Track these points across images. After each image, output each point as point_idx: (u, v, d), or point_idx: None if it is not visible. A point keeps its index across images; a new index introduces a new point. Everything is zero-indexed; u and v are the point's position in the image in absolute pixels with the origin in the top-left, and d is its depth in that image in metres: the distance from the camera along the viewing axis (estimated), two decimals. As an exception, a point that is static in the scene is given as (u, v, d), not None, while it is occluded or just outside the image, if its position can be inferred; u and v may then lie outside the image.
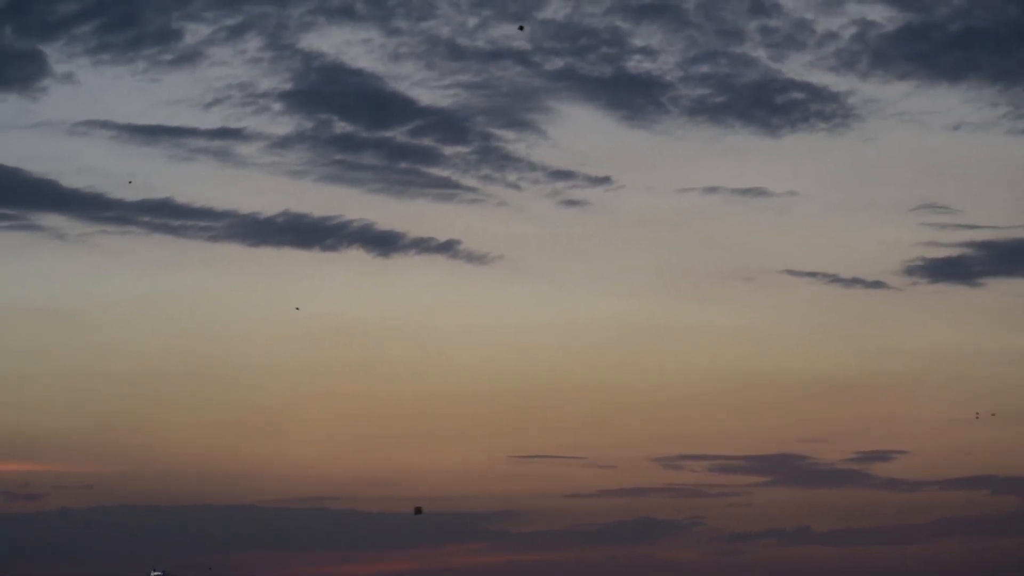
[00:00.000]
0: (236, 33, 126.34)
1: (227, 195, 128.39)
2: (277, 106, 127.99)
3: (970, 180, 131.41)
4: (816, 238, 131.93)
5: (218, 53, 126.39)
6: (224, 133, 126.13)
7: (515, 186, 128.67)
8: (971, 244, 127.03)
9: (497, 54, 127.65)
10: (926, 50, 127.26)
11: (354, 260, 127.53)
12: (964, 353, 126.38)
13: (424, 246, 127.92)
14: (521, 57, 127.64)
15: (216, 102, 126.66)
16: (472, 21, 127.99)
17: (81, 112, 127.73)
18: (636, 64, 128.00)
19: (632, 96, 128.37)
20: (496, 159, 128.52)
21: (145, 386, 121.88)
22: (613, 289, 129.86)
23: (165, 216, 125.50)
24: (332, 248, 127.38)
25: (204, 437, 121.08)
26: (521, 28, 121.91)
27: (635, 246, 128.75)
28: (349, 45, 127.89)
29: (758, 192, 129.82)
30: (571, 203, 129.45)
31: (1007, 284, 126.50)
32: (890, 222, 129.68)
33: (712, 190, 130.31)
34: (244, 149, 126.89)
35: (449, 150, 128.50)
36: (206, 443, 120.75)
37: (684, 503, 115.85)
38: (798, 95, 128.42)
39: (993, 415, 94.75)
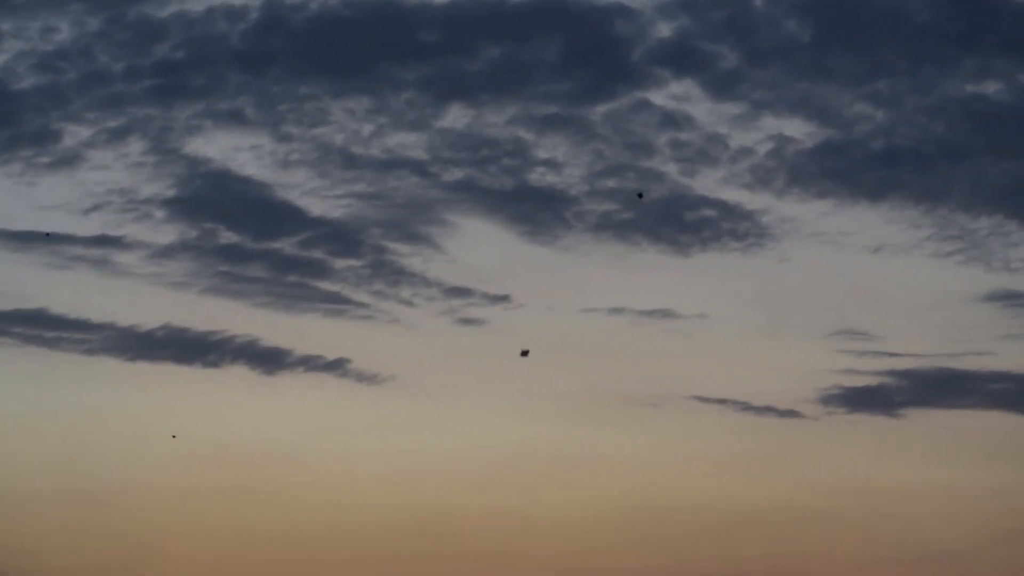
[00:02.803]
0: (118, 136, 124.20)
1: (105, 306, 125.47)
2: (159, 213, 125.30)
3: (891, 305, 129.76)
4: (726, 363, 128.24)
5: (99, 156, 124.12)
6: (103, 241, 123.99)
7: (409, 303, 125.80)
8: (891, 372, 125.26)
9: (392, 163, 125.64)
10: (846, 168, 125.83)
11: (237, 378, 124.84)
12: (884, 488, 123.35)
13: (312, 364, 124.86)
14: (418, 167, 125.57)
15: (95, 208, 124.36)
16: (367, 128, 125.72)
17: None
18: (539, 176, 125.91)
19: (534, 210, 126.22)
20: (389, 274, 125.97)
21: (12, 505, 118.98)
22: (511, 413, 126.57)
23: (39, 327, 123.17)
24: (214, 365, 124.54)
25: (72, 561, 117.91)
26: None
27: (535, 368, 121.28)
28: (237, 151, 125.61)
29: (665, 314, 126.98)
30: (468, 322, 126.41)
31: (929, 415, 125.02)
32: (805, 348, 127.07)
33: (617, 311, 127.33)
34: (124, 258, 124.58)
35: (340, 263, 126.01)
36: (75, 568, 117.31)
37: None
38: (709, 212, 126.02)
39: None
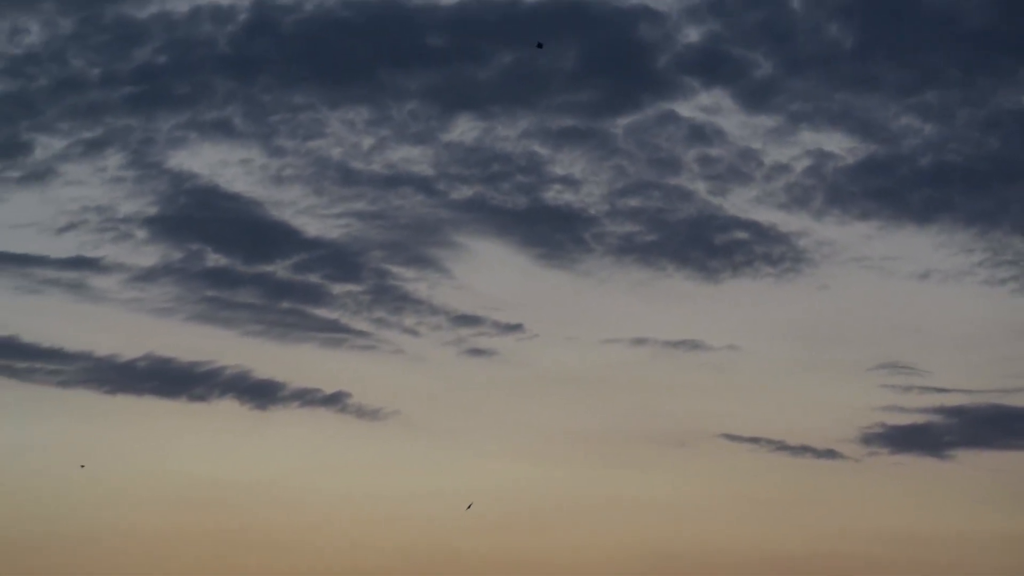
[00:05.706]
0: (95, 148, 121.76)
1: (81, 334, 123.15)
2: (140, 233, 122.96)
3: (939, 337, 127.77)
4: (759, 399, 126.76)
5: (73, 170, 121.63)
6: (79, 263, 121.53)
7: (413, 332, 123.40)
8: (940, 410, 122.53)
9: (395, 180, 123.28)
10: (891, 187, 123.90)
11: (226, 412, 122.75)
12: (931, 536, 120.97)
13: (308, 398, 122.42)
14: (423, 184, 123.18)
15: (70, 227, 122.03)
16: (367, 142, 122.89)
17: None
18: (555, 195, 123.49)
19: (550, 231, 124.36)
20: (392, 300, 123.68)
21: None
22: (524, 453, 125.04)
23: (9, 357, 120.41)
24: (201, 398, 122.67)
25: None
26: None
27: (550, 404, 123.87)
28: (225, 165, 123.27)
29: (693, 345, 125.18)
30: (477, 352, 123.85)
31: (981, 457, 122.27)
32: (846, 383, 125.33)
33: (640, 342, 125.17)
34: (101, 282, 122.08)
35: (338, 288, 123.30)
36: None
37: None
38: (741, 235, 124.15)
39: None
